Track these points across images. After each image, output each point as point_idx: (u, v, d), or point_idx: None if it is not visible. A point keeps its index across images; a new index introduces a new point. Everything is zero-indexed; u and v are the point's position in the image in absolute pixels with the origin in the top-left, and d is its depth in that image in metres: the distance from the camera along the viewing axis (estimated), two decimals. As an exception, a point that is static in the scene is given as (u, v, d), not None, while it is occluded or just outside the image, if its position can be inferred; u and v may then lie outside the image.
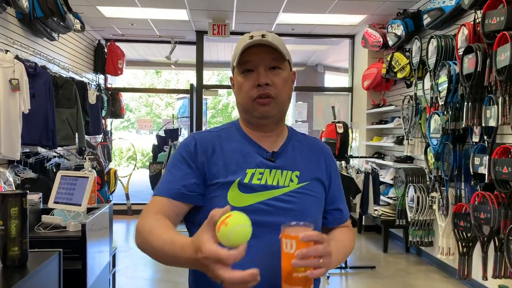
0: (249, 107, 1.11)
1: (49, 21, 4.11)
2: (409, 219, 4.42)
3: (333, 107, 5.04)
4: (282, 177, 1.11)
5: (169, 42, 6.94)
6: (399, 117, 4.98)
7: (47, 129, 3.89)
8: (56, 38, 4.64)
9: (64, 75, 4.83)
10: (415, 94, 4.58)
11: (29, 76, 3.66)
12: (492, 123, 3.13)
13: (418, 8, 4.86)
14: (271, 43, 1.07)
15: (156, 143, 7.00)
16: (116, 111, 6.77)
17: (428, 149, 4.17)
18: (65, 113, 4.48)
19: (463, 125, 3.49)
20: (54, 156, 4.59)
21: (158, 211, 1.06)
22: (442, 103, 3.81)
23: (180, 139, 6.89)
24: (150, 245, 1.00)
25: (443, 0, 4.02)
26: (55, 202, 2.32)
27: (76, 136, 4.65)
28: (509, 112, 2.94)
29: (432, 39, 4.00)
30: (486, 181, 3.18)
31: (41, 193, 2.43)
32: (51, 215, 2.33)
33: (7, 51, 3.58)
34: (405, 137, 4.73)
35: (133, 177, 7.22)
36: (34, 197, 2.33)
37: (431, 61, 4.03)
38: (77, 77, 5.37)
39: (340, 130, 4.42)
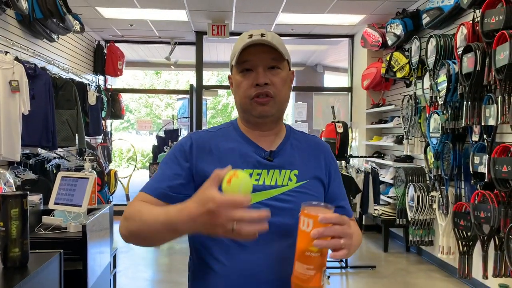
0: (247, 106, 1.11)
1: (49, 23, 4.11)
2: (409, 219, 4.42)
3: (332, 107, 5.04)
4: (281, 176, 1.10)
5: (168, 43, 6.94)
6: (399, 117, 4.99)
7: (47, 130, 3.89)
8: (55, 40, 4.65)
9: (64, 76, 4.84)
10: (415, 93, 4.58)
11: (29, 78, 3.66)
12: (491, 122, 3.13)
13: (417, 7, 4.87)
14: (270, 42, 1.07)
15: (156, 144, 7.00)
16: (116, 112, 6.77)
17: (428, 148, 4.17)
18: (65, 114, 4.48)
19: (463, 124, 3.49)
20: (54, 157, 4.59)
21: (144, 201, 1.06)
22: (442, 102, 3.81)
23: (180, 139, 6.89)
24: (140, 221, 0.97)
25: (442, 0, 4.02)
26: (55, 203, 2.32)
27: (76, 137, 4.65)
28: (508, 111, 2.94)
29: (431, 39, 4.01)
30: (486, 180, 3.19)
31: (41, 194, 2.43)
32: (51, 216, 2.33)
33: (6, 52, 3.59)
34: (404, 137, 4.73)
35: (133, 178, 7.23)
36: (34, 198, 2.33)
37: (431, 60, 4.03)
38: (77, 78, 5.37)
39: (340, 130, 4.43)
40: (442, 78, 3.79)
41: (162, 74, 17.98)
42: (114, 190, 6.21)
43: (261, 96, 1.09)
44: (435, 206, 4.10)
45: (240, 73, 1.11)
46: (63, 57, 5.24)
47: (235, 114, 17.65)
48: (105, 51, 6.70)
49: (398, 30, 4.87)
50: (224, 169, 0.86)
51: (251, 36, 1.08)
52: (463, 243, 3.59)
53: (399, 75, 4.91)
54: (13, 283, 1.26)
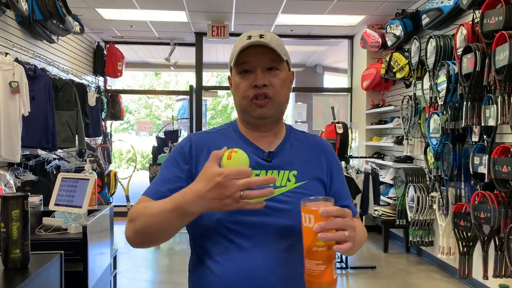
0: (246, 107, 1.11)
1: (49, 24, 4.12)
2: (409, 219, 4.43)
3: (332, 108, 5.05)
4: (279, 177, 1.10)
5: (168, 43, 6.95)
6: (399, 117, 4.99)
7: (47, 132, 3.89)
8: (55, 41, 4.65)
9: (64, 78, 4.84)
10: (414, 94, 4.58)
11: (29, 79, 3.66)
12: (491, 122, 3.13)
13: (416, 8, 4.87)
14: (269, 44, 1.06)
15: (156, 145, 6.99)
16: (116, 113, 6.77)
17: (428, 149, 4.18)
18: (65, 116, 4.48)
19: (463, 125, 3.49)
20: (54, 159, 4.59)
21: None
22: (442, 103, 3.81)
23: (180, 140, 6.89)
24: (146, 215, 0.99)
25: (442, 0, 4.03)
26: (55, 204, 2.32)
27: (76, 138, 4.65)
28: (508, 111, 2.95)
29: (431, 39, 4.01)
30: (486, 180, 3.19)
31: (41, 196, 2.43)
32: (52, 217, 2.33)
33: (6, 53, 3.59)
34: (404, 137, 4.73)
35: (133, 179, 7.22)
36: (35, 199, 2.33)
37: (430, 61, 4.04)
38: (77, 79, 5.38)
39: (340, 131, 4.43)
40: (442, 78, 3.79)
41: (161, 75, 17.99)
42: (114, 191, 6.20)
43: (260, 98, 1.09)
44: (435, 206, 4.10)
45: (239, 75, 1.11)
46: (63, 58, 5.24)
47: (234, 115, 17.66)
48: (105, 52, 6.70)
49: (398, 30, 4.88)
50: (222, 150, 0.91)
51: (249, 37, 1.08)
52: (463, 243, 3.59)
53: (398, 75, 4.92)
54: (14, 284, 1.26)
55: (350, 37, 6.74)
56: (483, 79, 3.22)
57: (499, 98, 3.02)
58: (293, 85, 1.20)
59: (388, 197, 5.37)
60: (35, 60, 4.28)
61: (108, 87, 7.05)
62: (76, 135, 4.63)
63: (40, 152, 4.23)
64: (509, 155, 3.00)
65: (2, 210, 1.35)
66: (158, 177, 1.13)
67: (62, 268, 1.59)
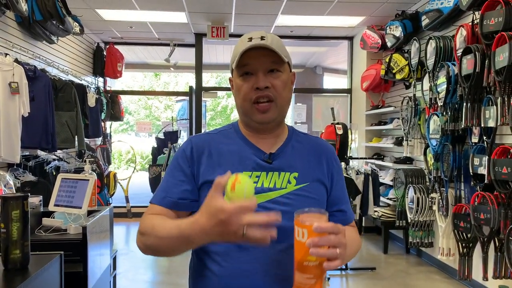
0: (247, 110, 1.11)
1: (48, 24, 4.12)
2: (409, 220, 4.42)
3: (332, 109, 5.05)
4: (280, 179, 1.10)
5: (168, 44, 6.95)
6: (398, 118, 4.99)
7: (46, 132, 3.89)
8: (55, 41, 4.65)
9: (64, 78, 4.84)
10: (414, 95, 4.58)
11: (29, 79, 3.66)
12: (491, 123, 3.13)
13: (416, 9, 4.87)
14: (270, 46, 1.06)
15: (155, 146, 6.99)
16: (116, 114, 6.77)
17: (428, 150, 4.18)
18: (65, 116, 4.48)
19: (462, 126, 3.49)
20: (54, 159, 4.59)
21: (157, 214, 1.09)
22: (441, 104, 3.81)
23: (180, 141, 6.89)
24: (155, 237, 1.01)
25: (441, 1, 4.03)
26: (55, 205, 2.32)
27: (76, 139, 4.65)
28: (508, 113, 2.95)
29: (431, 40, 4.01)
30: (485, 181, 3.19)
31: (41, 196, 2.43)
32: (51, 218, 2.33)
33: (6, 54, 3.59)
34: (404, 138, 4.73)
35: (132, 180, 7.22)
36: (34, 200, 2.33)
37: (430, 62, 4.04)
38: (77, 80, 5.38)
39: (340, 131, 4.43)
40: (442, 79, 3.80)
41: (161, 76, 17.99)
42: (114, 192, 6.20)
43: (262, 100, 1.08)
44: (435, 207, 4.11)
45: (241, 77, 1.10)
46: (63, 59, 5.24)
47: (234, 115, 17.68)
48: (105, 53, 6.70)
49: (398, 31, 4.88)
50: (224, 175, 0.88)
51: (250, 39, 1.08)
52: (463, 244, 3.59)
53: (398, 76, 4.92)
54: (13, 284, 1.26)
55: (350, 38, 6.74)
56: (483, 80, 3.22)
57: (499, 99, 3.02)
58: (293, 86, 1.20)
59: (388, 198, 5.37)
60: (34, 60, 4.28)
61: (108, 88, 7.05)
62: (76, 136, 4.63)
63: (40, 152, 4.23)
64: (509, 156, 3.00)
65: (2, 211, 1.34)
66: (163, 182, 1.14)
67: (62, 269, 1.59)
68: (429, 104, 4.12)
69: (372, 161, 5.73)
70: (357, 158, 5.85)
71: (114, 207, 4.40)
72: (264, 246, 0.89)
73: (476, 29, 3.38)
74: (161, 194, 1.11)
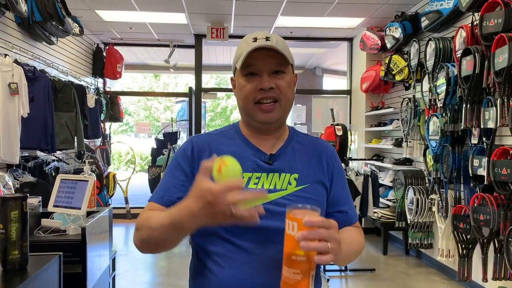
0: (250, 110, 1.11)
1: (48, 25, 4.12)
2: (409, 221, 4.42)
3: (332, 110, 5.05)
4: (280, 180, 1.10)
5: (167, 45, 6.95)
6: (398, 120, 4.99)
7: (46, 133, 3.89)
8: (55, 42, 4.65)
9: (63, 79, 4.83)
10: (414, 96, 4.59)
11: (28, 80, 3.66)
12: (490, 124, 3.13)
13: (416, 10, 4.88)
14: (276, 47, 1.06)
15: (155, 147, 6.99)
16: (115, 115, 6.76)
17: (427, 151, 4.18)
18: (64, 117, 4.48)
19: (462, 127, 3.49)
20: (53, 160, 4.58)
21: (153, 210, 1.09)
22: (441, 105, 3.81)
23: (179, 142, 6.89)
24: (148, 228, 1.00)
25: (441, 3, 4.04)
26: (54, 206, 2.32)
27: (75, 140, 4.64)
28: (507, 114, 2.95)
29: (430, 42, 4.02)
30: (485, 182, 3.19)
31: (40, 197, 2.42)
32: (50, 218, 2.33)
33: (6, 55, 3.59)
34: (404, 139, 4.73)
35: (132, 181, 7.21)
36: (33, 201, 2.32)
37: (430, 63, 4.04)
38: (76, 81, 5.37)
39: (339, 133, 4.43)
40: (441, 81, 3.80)
41: (161, 77, 17.99)
42: (113, 193, 6.20)
43: (266, 101, 1.08)
44: (434, 209, 4.10)
45: (244, 77, 1.10)
46: (62, 59, 5.24)
47: (234, 117, 17.68)
48: (104, 54, 6.70)
49: (397, 33, 4.89)
50: (210, 159, 0.88)
51: (255, 39, 1.07)
52: (463, 246, 3.59)
53: (398, 78, 4.92)
54: (12, 285, 1.26)
55: (350, 39, 6.75)
56: (483, 81, 3.23)
57: (499, 100, 3.02)
58: (295, 87, 1.20)
59: (387, 200, 5.36)
60: (34, 61, 4.28)
61: (107, 89, 7.05)
62: (75, 137, 4.62)
63: (39, 153, 4.22)
64: (508, 157, 3.00)
65: (1, 211, 1.34)
66: (162, 181, 1.13)
67: (60, 270, 1.59)
68: (428, 105, 4.12)
69: (372, 162, 5.73)
70: (356, 159, 5.85)
71: (114, 208, 4.38)
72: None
73: (476, 30, 3.38)
74: (160, 193, 1.11)
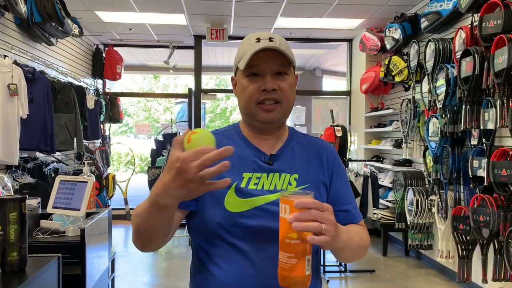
0: (251, 111, 1.10)
1: (47, 26, 4.11)
2: (408, 223, 4.42)
3: (331, 111, 5.05)
4: (280, 180, 1.09)
5: (167, 46, 6.95)
6: (398, 121, 4.99)
7: (45, 134, 3.88)
8: (54, 43, 4.65)
9: (63, 80, 4.83)
10: (413, 97, 4.59)
11: (28, 81, 3.66)
12: (490, 125, 3.13)
13: (415, 11, 4.88)
14: (280, 49, 1.05)
15: (154, 148, 6.98)
16: (115, 116, 6.76)
17: (427, 152, 4.18)
18: (64, 118, 4.47)
19: (462, 128, 3.49)
20: (53, 161, 4.58)
21: None
22: (441, 106, 3.81)
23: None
24: (136, 216, 0.98)
25: (441, 4, 4.04)
26: (54, 207, 2.31)
27: (75, 141, 4.64)
28: (507, 115, 2.95)
29: (430, 43, 4.02)
30: (485, 183, 3.19)
31: (39, 198, 2.42)
32: (49, 220, 2.32)
33: (5, 56, 3.58)
34: (403, 140, 4.73)
35: (131, 182, 7.21)
36: (32, 202, 2.32)
37: (429, 64, 4.04)
38: (76, 82, 5.37)
39: (339, 134, 4.43)
40: (441, 82, 3.80)
41: (160, 78, 18.00)
42: (112, 194, 6.19)
43: (268, 102, 1.08)
44: (434, 210, 4.10)
45: (247, 77, 1.09)
46: (62, 60, 5.23)
47: (233, 117, 17.69)
48: (104, 55, 6.70)
49: (397, 34, 4.89)
50: (181, 135, 0.86)
51: (258, 39, 1.07)
52: (463, 247, 3.59)
53: (397, 79, 4.93)
54: (11, 287, 1.25)
55: (349, 41, 6.75)
56: (482, 82, 3.23)
57: (498, 102, 3.02)
58: (296, 88, 1.20)
59: (387, 201, 5.36)
60: (33, 62, 4.28)
61: (107, 90, 7.04)
62: (75, 138, 4.62)
63: (38, 154, 4.22)
64: (508, 158, 3.00)
65: (0, 213, 1.34)
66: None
67: (59, 271, 1.59)
68: (428, 106, 4.12)
69: (371, 163, 5.72)
70: (356, 160, 5.85)
71: (113, 209, 4.39)
72: (267, 251, 0.86)
73: (475, 32, 3.38)
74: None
